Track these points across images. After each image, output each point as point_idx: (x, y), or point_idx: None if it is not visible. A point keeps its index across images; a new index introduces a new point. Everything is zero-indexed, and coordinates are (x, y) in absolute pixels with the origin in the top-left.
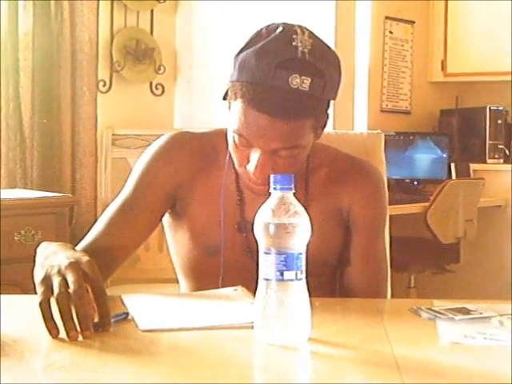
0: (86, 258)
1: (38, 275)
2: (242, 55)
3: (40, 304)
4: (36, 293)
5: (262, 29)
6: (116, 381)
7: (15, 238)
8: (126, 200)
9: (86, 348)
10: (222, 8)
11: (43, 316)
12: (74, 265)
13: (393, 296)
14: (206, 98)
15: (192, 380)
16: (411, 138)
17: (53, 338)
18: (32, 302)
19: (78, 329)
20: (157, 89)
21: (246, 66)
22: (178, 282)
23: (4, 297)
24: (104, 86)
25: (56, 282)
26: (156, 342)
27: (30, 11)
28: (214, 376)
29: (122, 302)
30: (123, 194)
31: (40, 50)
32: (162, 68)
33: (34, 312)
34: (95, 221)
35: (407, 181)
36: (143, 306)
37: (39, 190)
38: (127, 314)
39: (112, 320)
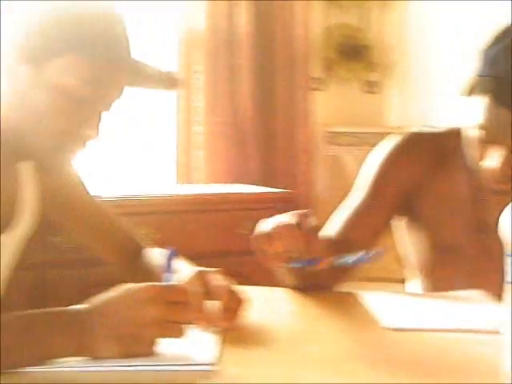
0: None
1: None
2: (491, 50)
3: None
4: None
5: (509, 25)
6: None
7: (239, 231)
8: (364, 199)
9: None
10: (443, 5)
11: None
12: None
13: None
14: (422, 96)
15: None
16: None
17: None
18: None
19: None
20: (370, 86)
21: (496, 61)
22: (402, 281)
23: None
24: (318, 83)
25: None
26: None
27: (250, 10)
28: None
29: (364, 299)
30: (358, 192)
31: (257, 49)
32: (375, 65)
33: None
34: None
35: None
36: (386, 304)
37: (257, 185)
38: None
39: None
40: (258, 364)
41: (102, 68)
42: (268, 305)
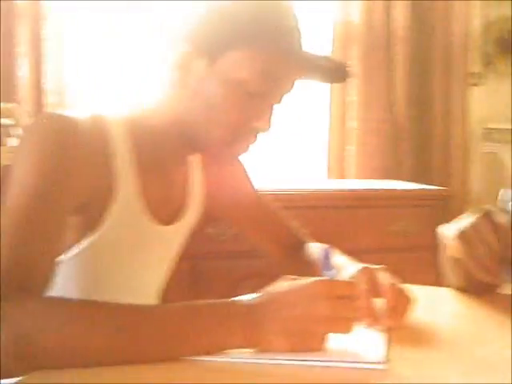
0: None
1: None
2: None
3: None
4: None
5: None
6: None
7: (392, 228)
8: None
9: None
10: None
11: None
12: None
13: None
14: None
15: None
16: None
17: None
18: None
19: None
20: None
21: None
22: None
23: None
24: (476, 78)
25: None
26: None
27: (407, 4)
28: None
29: None
30: None
31: (414, 44)
32: None
33: None
34: None
35: None
36: None
37: (411, 181)
38: None
39: None
40: (428, 365)
41: (275, 61)
42: (432, 304)
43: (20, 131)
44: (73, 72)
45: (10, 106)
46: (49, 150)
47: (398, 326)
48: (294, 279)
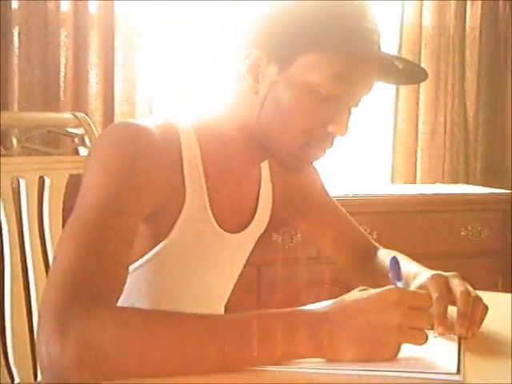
0: None
1: None
2: None
3: None
4: None
5: None
6: None
7: (462, 233)
8: None
9: None
10: None
11: None
12: None
13: None
14: None
15: None
16: None
17: None
18: None
19: None
20: None
21: None
22: None
23: None
24: None
25: None
26: None
27: (479, 6)
28: None
29: None
30: None
31: (486, 45)
32: None
33: None
34: None
35: None
36: None
37: (481, 185)
38: None
39: None
40: (503, 375)
41: (348, 64)
42: (505, 311)
43: (89, 141)
44: (144, 81)
45: (79, 115)
46: (122, 159)
47: (472, 335)
48: (365, 289)
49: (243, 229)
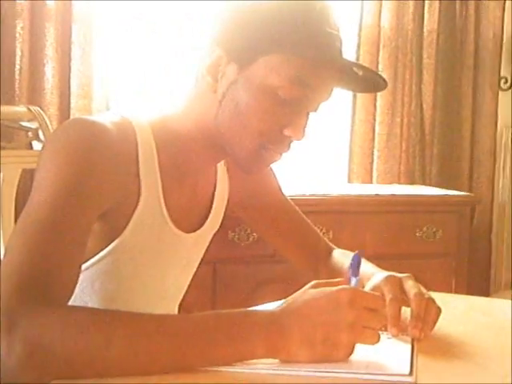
0: None
1: None
2: None
3: None
4: None
5: None
6: None
7: (417, 234)
8: None
9: None
10: None
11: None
12: None
13: None
14: None
15: None
16: None
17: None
18: None
19: None
20: None
21: None
22: None
23: None
24: (505, 83)
25: None
26: None
27: (436, 8)
28: None
29: None
30: None
31: (444, 48)
32: None
33: None
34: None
35: None
36: None
37: (437, 186)
38: None
39: None
40: (455, 377)
41: (308, 68)
42: (458, 313)
43: (43, 135)
44: (100, 76)
45: (33, 109)
46: (77, 155)
47: (425, 337)
48: (318, 283)
49: (198, 228)
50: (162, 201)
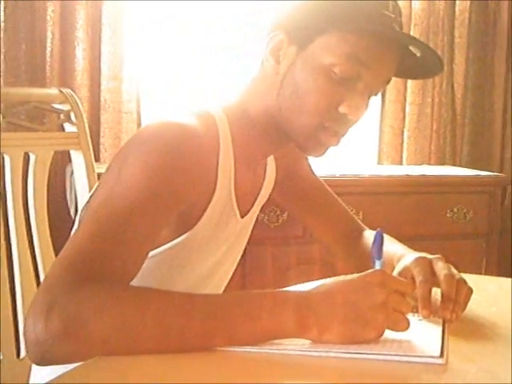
0: None
1: None
2: None
3: None
4: None
5: None
6: None
7: (447, 215)
8: None
9: None
10: None
11: None
12: None
13: None
14: None
15: None
16: None
17: None
18: None
19: None
20: None
21: None
22: None
23: None
24: None
25: None
26: None
27: None
28: None
29: None
30: None
31: (476, 27)
32: None
33: None
34: None
35: None
36: None
37: (467, 167)
38: None
39: None
40: (485, 359)
41: (364, 45)
42: (489, 294)
43: (74, 117)
44: (131, 58)
45: (65, 91)
46: (168, 159)
47: (456, 318)
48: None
49: (247, 212)
50: (233, 191)
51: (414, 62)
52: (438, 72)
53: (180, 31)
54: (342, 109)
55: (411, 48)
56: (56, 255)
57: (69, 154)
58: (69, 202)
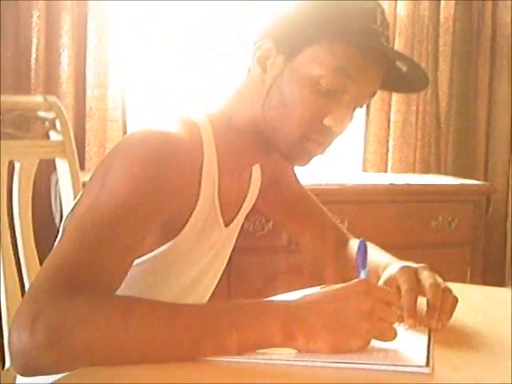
0: None
1: None
2: None
3: None
4: None
5: None
6: None
7: (432, 223)
8: None
9: None
10: None
11: None
12: None
13: None
14: None
15: None
16: None
17: None
18: None
19: None
20: None
21: None
22: None
23: None
24: None
25: None
26: None
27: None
28: None
29: None
30: None
31: (460, 35)
32: None
33: None
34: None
35: None
36: None
37: (452, 175)
38: None
39: None
40: (471, 368)
41: (351, 56)
42: (475, 303)
43: (60, 125)
44: (116, 65)
45: (50, 98)
46: (152, 169)
47: (442, 327)
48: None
49: (232, 221)
50: (217, 200)
51: (400, 76)
52: (423, 87)
53: (163, 33)
54: (326, 121)
55: (398, 63)
56: (41, 264)
57: (54, 163)
58: (54, 211)
